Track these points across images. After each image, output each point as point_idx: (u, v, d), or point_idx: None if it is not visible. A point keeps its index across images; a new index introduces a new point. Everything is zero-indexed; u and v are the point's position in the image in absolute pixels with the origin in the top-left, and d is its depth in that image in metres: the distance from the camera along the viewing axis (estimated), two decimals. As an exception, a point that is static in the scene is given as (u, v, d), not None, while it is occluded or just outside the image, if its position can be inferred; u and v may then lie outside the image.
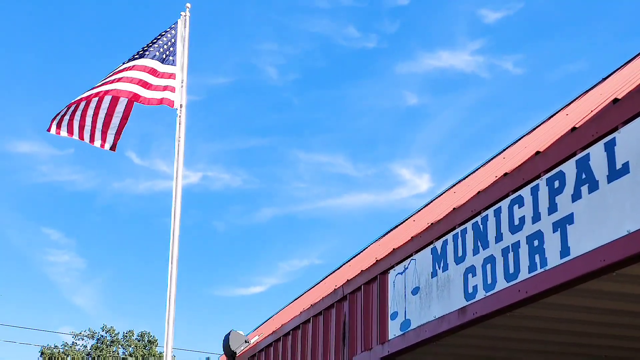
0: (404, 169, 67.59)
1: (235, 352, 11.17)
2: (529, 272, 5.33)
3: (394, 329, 7.22)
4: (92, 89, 10.37)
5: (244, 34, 66.12)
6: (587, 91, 8.57)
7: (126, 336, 51.00)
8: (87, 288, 66.02)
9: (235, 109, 68.61)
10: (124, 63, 10.58)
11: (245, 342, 11.41)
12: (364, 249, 12.42)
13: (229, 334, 11.39)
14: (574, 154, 5.05)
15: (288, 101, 68.18)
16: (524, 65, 65.45)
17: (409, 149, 67.64)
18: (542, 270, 5.20)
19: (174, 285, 10.44)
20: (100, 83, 10.39)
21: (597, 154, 4.83)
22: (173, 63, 10.83)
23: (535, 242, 5.31)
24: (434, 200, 11.00)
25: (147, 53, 10.50)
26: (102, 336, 50.83)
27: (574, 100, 8.64)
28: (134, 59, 10.48)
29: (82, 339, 50.33)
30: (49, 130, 10.61)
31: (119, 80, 10.23)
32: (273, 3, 64.15)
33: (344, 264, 12.86)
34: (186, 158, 11.07)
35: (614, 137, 4.69)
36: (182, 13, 11.30)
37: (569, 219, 5.00)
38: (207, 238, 66.55)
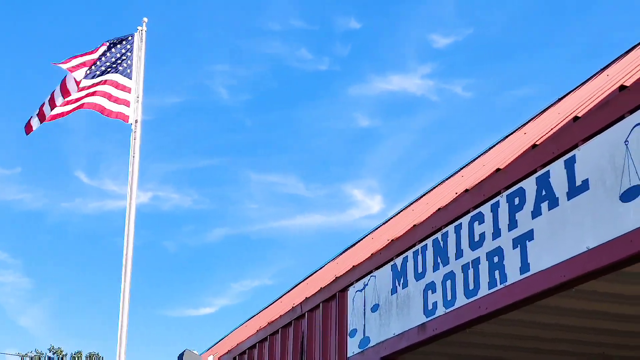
0: (355, 190, 67.51)
1: (189, 372, 10.95)
2: (489, 289, 5.33)
3: (352, 347, 7.16)
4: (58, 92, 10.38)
5: (196, 55, 65.52)
6: (543, 110, 8.69)
7: (74, 357, 49.83)
8: (33, 309, 64.30)
9: (186, 129, 67.84)
10: (84, 55, 10.50)
11: (200, 361, 11.20)
12: (322, 267, 12.35)
13: (182, 353, 11.17)
14: (534, 171, 5.09)
15: (240, 122, 67.71)
16: (473, 89, 66.34)
17: (361, 170, 67.75)
18: (502, 286, 5.20)
19: (127, 304, 10.21)
20: (65, 88, 10.35)
21: (557, 171, 4.87)
22: (129, 76, 10.70)
23: (495, 259, 5.31)
24: (391, 218, 11.00)
25: (112, 68, 10.47)
26: (50, 357, 49.60)
27: (531, 119, 8.74)
28: (102, 70, 10.44)
29: (29, 360, 49.03)
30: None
31: (92, 94, 10.34)
32: (226, 24, 63.78)
33: (301, 282, 12.76)
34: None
35: (574, 155, 4.74)
36: (139, 27, 11.18)
37: (529, 235, 5.02)
38: (158, 258, 65.46)
